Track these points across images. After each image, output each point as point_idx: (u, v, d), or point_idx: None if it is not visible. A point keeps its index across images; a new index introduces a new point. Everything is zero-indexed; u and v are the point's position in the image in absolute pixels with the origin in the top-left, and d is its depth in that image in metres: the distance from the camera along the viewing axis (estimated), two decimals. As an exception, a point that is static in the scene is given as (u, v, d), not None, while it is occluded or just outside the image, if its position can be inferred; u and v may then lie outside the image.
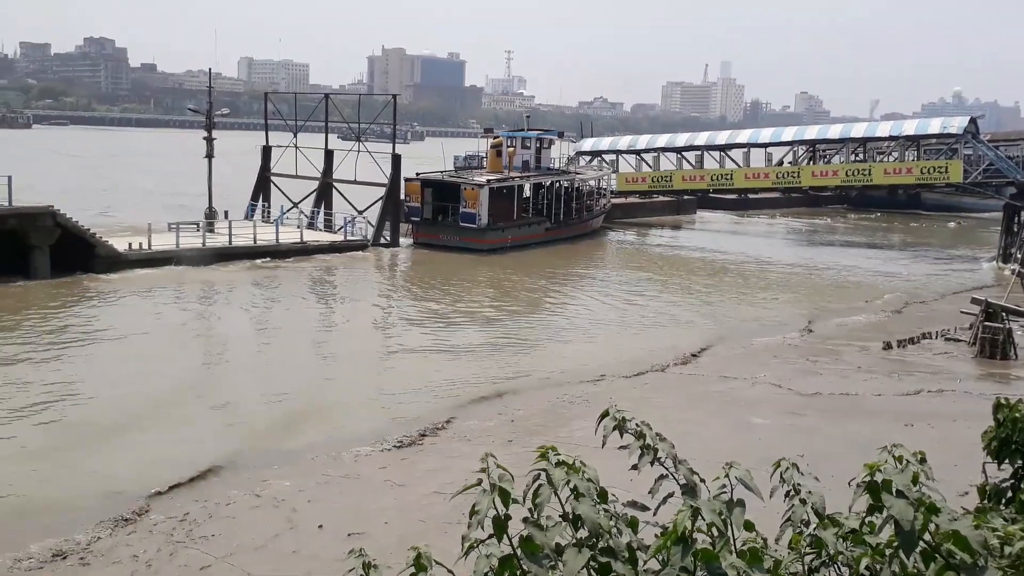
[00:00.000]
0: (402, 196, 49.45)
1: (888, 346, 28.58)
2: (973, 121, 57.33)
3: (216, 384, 23.20)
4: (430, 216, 50.11)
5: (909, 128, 59.42)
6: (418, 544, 3.06)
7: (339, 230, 47.87)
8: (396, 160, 48.41)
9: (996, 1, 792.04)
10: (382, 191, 47.91)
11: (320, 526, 14.36)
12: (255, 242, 42.75)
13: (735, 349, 28.38)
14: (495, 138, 57.73)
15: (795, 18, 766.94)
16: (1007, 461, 7.68)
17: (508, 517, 2.97)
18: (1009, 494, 7.44)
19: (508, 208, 50.51)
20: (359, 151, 48.64)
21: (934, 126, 58.21)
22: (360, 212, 48.25)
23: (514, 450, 16.81)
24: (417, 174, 51.31)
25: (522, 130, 59.69)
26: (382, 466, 17.00)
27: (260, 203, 51.19)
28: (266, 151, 52.41)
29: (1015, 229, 50.18)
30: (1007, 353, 27.14)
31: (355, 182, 48.30)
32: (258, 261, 41.16)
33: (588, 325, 31.87)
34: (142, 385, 22.31)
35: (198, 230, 42.72)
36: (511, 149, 55.54)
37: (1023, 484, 7.33)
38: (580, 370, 24.87)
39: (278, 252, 42.61)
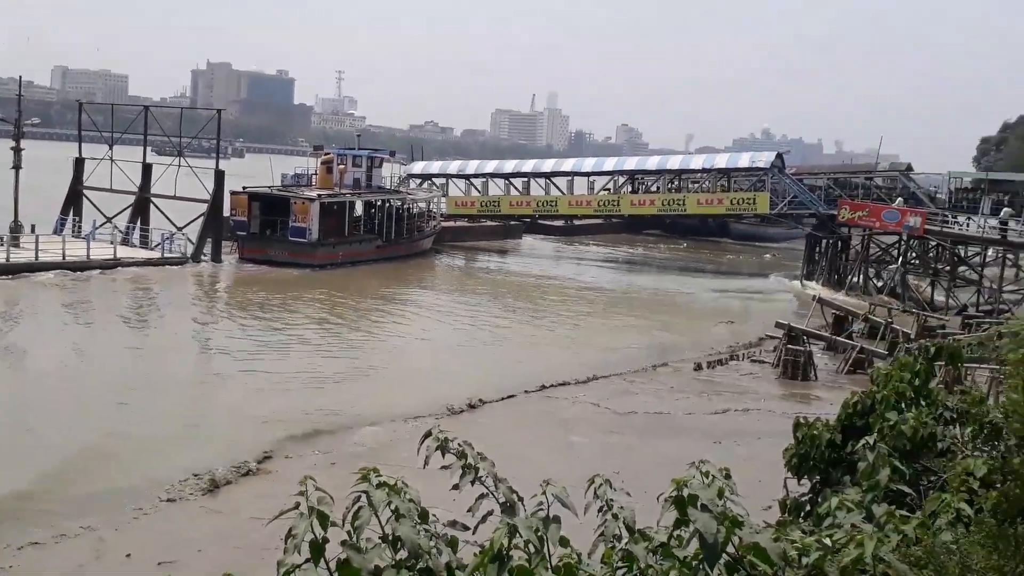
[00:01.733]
0: (228, 211, 48.00)
1: (699, 367, 29.92)
2: (780, 156, 61.31)
3: (12, 415, 21.17)
4: (257, 231, 48.86)
5: (721, 161, 63.01)
6: (232, 572, 2.98)
7: (156, 247, 45.86)
8: (219, 176, 46.98)
9: (799, 49, 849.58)
10: (203, 207, 46.29)
11: (128, 555, 13.64)
12: (64, 258, 40.36)
13: (557, 369, 28.85)
14: (325, 155, 56.98)
15: (616, 53, 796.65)
16: (806, 477, 8.21)
17: (326, 540, 2.94)
18: (808, 507, 7.94)
19: (339, 224, 49.93)
20: (179, 166, 46.93)
21: (744, 160, 61.93)
22: (180, 228, 46.43)
23: (337, 473, 16.54)
24: (244, 188, 50.01)
25: (353, 149, 59.19)
26: (197, 496, 16.32)
27: (71, 217, 48.39)
28: (78, 163, 49.66)
29: (816, 257, 53.73)
30: (807, 374, 28.96)
31: (175, 197, 46.47)
32: (67, 278, 38.81)
33: (418, 348, 31.59)
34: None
35: (1, 244, 39.95)
36: (342, 167, 54.98)
37: (820, 498, 7.83)
38: (408, 399, 23.98)
39: (89, 268, 40.37)
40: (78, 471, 17.20)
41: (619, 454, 19.45)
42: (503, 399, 24.36)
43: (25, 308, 33.60)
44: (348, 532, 3.02)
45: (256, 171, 64.63)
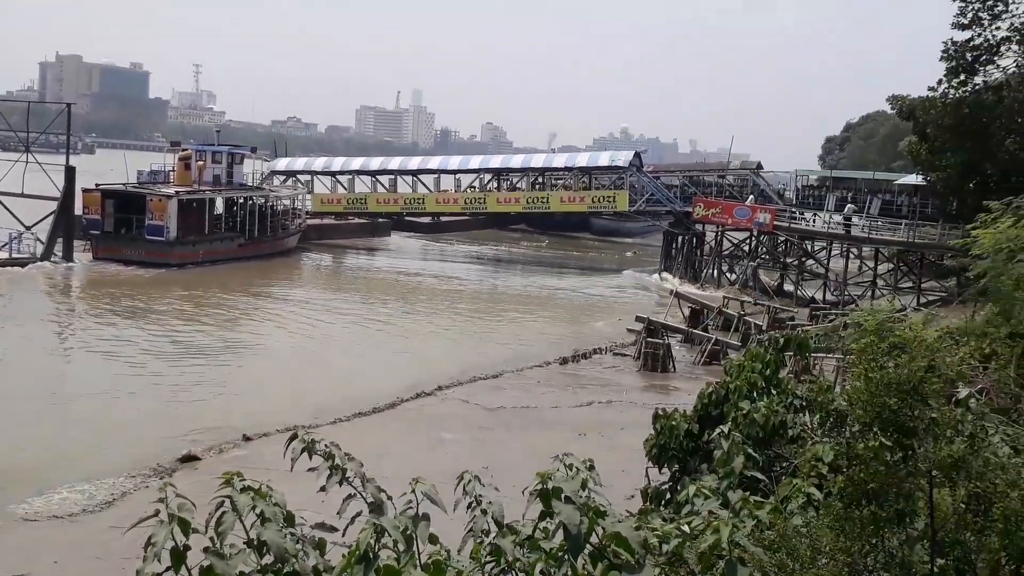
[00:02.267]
0: (80, 209, 45.85)
1: (564, 361, 30.43)
2: (637, 155, 63.01)
3: None
4: (112, 230, 46.90)
5: (582, 160, 64.28)
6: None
7: (3, 247, 43.36)
8: (70, 172, 44.84)
9: (656, 47, 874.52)
10: (53, 205, 44.07)
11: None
12: None
13: (430, 370, 28.73)
14: (183, 151, 55.16)
15: (480, 51, 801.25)
16: (666, 466, 8.49)
17: (187, 547, 2.88)
18: (668, 496, 8.21)
19: (199, 222, 48.41)
20: (27, 162, 44.54)
21: (604, 159, 63.41)
22: (28, 227, 44.05)
23: (200, 478, 16.06)
24: (97, 185, 47.91)
25: (213, 144, 57.47)
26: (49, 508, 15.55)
27: (-98, 216, 45.28)
28: (-90, 158, 46.49)
29: (672, 253, 55.41)
30: (667, 366, 29.87)
31: (22, 195, 44.06)
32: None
33: (284, 353, 30.30)
34: None
35: None
36: (201, 163, 53.29)
37: (679, 486, 8.11)
38: (272, 408, 22.73)
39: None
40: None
41: (489, 449, 19.60)
42: (377, 411, 23.27)
43: None
44: (211, 538, 2.97)
45: (109, 167, 61.82)
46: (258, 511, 3.08)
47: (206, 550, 2.93)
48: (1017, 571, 4.36)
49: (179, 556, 2.86)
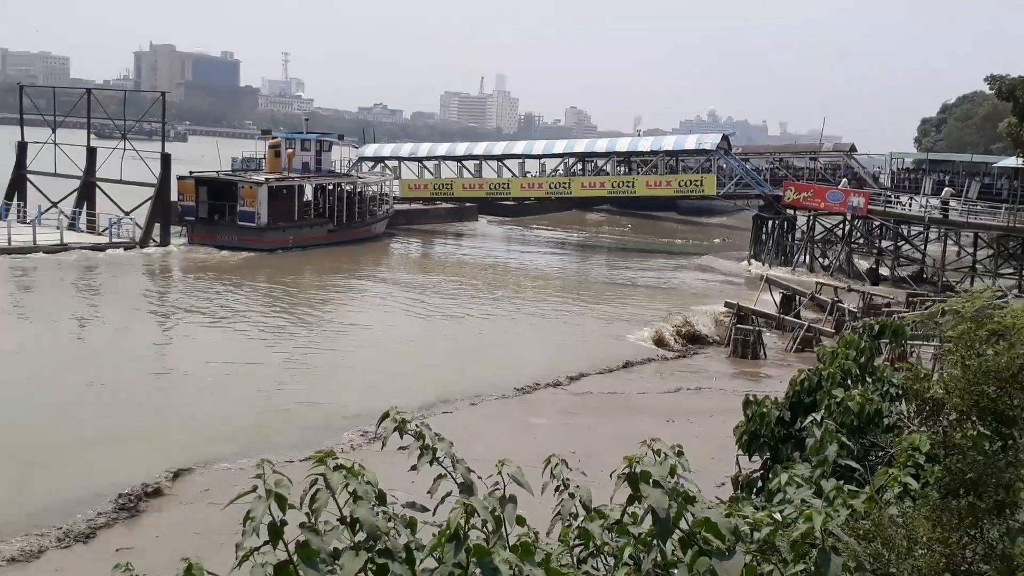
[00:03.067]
0: (175, 196, 47.33)
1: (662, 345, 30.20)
2: (725, 138, 61.90)
3: None
4: (205, 216, 48.32)
5: (668, 143, 63.44)
6: (190, 557, 2.97)
7: (104, 231, 45.04)
8: (166, 159, 46.24)
9: (744, 33, 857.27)
10: (150, 191, 45.56)
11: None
12: (9, 243, 39.58)
13: (526, 360, 28.68)
14: (273, 139, 56.39)
15: (564, 35, 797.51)
16: (757, 453, 8.36)
17: (284, 523, 2.94)
18: (759, 484, 8.09)
19: (289, 208, 49.50)
20: (124, 149, 46.13)
21: (690, 142, 62.50)
22: (127, 213, 45.66)
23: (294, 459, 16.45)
24: (191, 172, 49.39)
25: (301, 132, 58.61)
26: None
27: (15, 202, 47.37)
28: (21, 147, 48.54)
29: (763, 238, 54.39)
30: (757, 353, 29.39)
31: (121, 181, 45.66)
32: (13, 263, 37.98)
33: (378, 341, 29.85)
34: None
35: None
36: (290, 151, 54.44)
37: (771, 474, 7.98)
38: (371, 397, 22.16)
39: (34, 253, 39.58)
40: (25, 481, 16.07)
41: (575, 434, 19.59)
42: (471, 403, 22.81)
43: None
44: (306, 514, 3.04)
45: (201, 155, 63.56)
46: (351, 489, 3.13)
47: (302, 526, 3.00)
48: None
49: (276, 531, 2.93)
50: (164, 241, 45.71)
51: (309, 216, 52.41)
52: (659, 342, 30.57)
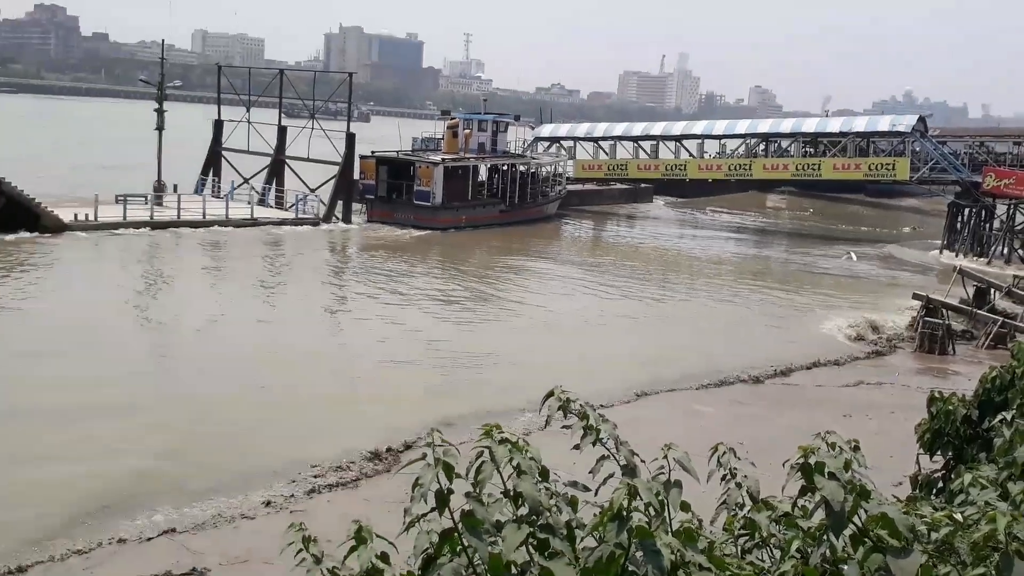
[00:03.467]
0: (357, 175, 49.19)
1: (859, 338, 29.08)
2: (922, 120, 58.52)
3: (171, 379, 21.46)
4: (384, 194, 50.00)
5: (859, 124, 60.43)
6: (359, 520, 3.09)
7: (290, 207, 47.41)
8: (350, 139, 48.11)
9: (948, 12, 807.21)
10: (334, 170, 47.55)
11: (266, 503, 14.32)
12: (204, 217, 42.25)
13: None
14: (451, 120, 57.64)
15: (749, 11, 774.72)
16: (939, 453, 7.93)
17: (451, 491, 3.02)
18: (940, 484, 7.68)
19: (463, 188, 50.56)
20: (312, 129, 48.30)
21: (883, 123, 59.30)
22: (312, 190, 47.86)
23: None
24: (373, 152, 51.20)
25: (479, 113, 59.61)
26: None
27: (210, 178, 50.51)
28: (218, 125, 51.70)
29: (958, 227, 51.27)
30: (945, 348, 27.81)
31: (308, 159, 47.86)
32: (207, 236, 40.63)
33: (551, 328, 29.30)
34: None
35: (146, 203, 42.08)
36: (467, 131, 55.52)
37: (953, 475, 7.56)
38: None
39: (227, 226, 42.14)
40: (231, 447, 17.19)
41: (745, 424, 19.17)
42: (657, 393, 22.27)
43: (170, 265, 35.38)
44: (472, 485, 3.10)
45: (383, 135, 65.71)
46: (515, 463, 3.17)
47: (468, 495, 3.06)
48: None
49: (443, 498, 3.00)
50: (346, 218, 47.64)
51: (483, 196, 53.28)
52: (852, 337, 29.40)
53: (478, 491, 3.11)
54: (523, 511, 3.13)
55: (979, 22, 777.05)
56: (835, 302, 35.98)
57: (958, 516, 4.22)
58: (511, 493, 3.16)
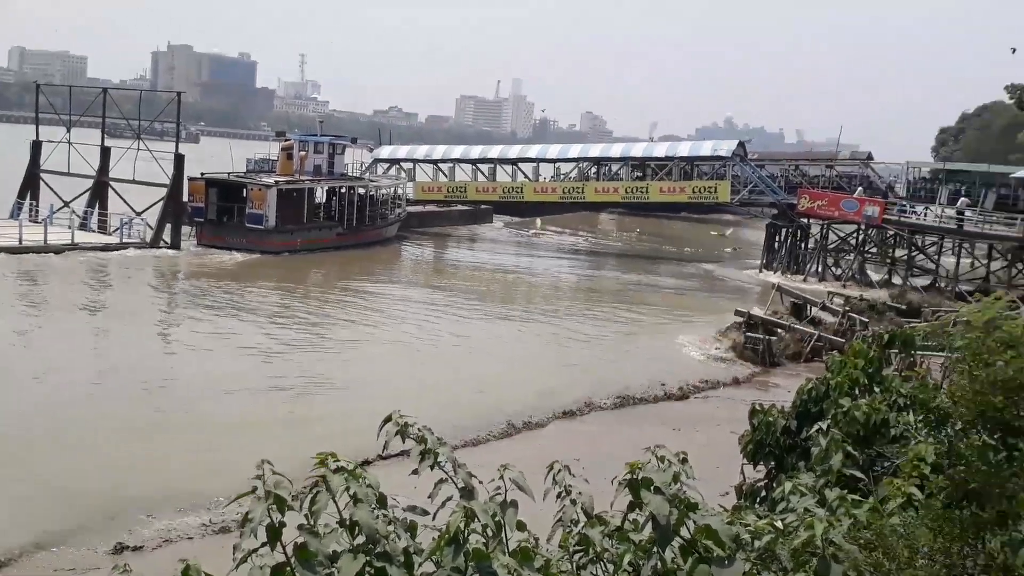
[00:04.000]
0: (185, 197, 47.51)
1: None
2: (742, 144, 61.82)
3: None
4: (215, 217, 48.49)
5: (684, 149, 63.45)
6: (188, 559, 2.98)
7: (115, 231, 45.24)
8: (179, 160, 46.45)
9: (761, 38, 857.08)
10: (162, 192, 45.77)
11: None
12: (20, 243, 39.79)
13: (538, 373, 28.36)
14: (286, 141, 56.57)
15: (581, 40, 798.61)
16: (762, 463, 8.34)
17: (283, 524, 2.95)
18: (763, 493, 8.07)
19: (298, 211, 49.65)
20: (138, 149, 46.40)
21: (706, 148, 62.45)
22: (138, 213, 45.87)
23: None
24: (202, 174, 49.61)
25: (315, 135, 58.81)
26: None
27: (28, 201, 47.64)
28: (35, 146, 48.85)
29: (775, 246, 54.21)
30: (766, 362, 29.27)
31: (133, 181, 45.88)
32: (22, 263, 38.19)
33: (382, 354, 28.31)
34: None
35: (-46, 227, 39.29)
36: (303, 153, 54.61)
37: (775, 483, 7.96)
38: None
39: (46, 253, 39.79)
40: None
41: (581, 441, 19.56)
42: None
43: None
44: (305, 516, 3.04)
45: (214, 156, 63.73)
46: (351, 492, 3.14)
47: (300, 527, 3.00)
48: None
49: (275, 532, 2.94)
50: (175, 242, 45.88)
51: (319, 219, 52.49)
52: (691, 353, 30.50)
53: (313, 522, 3.06)
54: (360, 540, 3.10)
55: (793, 54, 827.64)
56: (663, 321, 37.30)
57: (779, 523, 4.44)
58: (347, 522, 3.12)
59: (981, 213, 49.10)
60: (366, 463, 14.34)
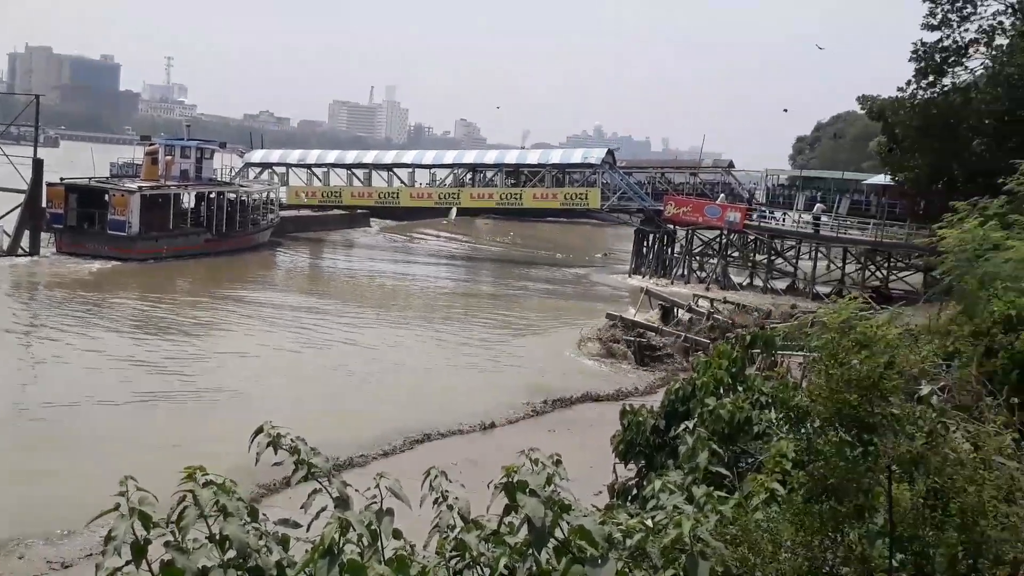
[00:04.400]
0: (44, 203, 45.36)
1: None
2: (611, 152, 63.26)
3: None
4: (75, 224, 46.45)
5: (556, 157, 64.54)
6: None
7: (-34, 239, 42.81)
8: (38, 165, 44.39)
9: (628, 48, 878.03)
10: (19, 198, 43.60)
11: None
12: None
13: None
14: (151, 145, 54.67)
15: (454, 48, 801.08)
16: (632, 462, 8.54)
17: (148, 541, 2.87)
18: (634, 491, 8.26)
19: (163, 217, 48.01)
20: (-7, 154, 44.13)
21: (576, 156, 63.72)
22: (-6, 220, 43.57)
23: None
24: (62, 179, 47.46)
25: (182, 139, 57.04)
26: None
27: None
28: None
29: (644, 251, 55.58)
30: (638, 362, 29.95)
31: (-11, 187, 43.59)
32: None
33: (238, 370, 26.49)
34: None
35: None
36: (169, 158, 52.88)
37: (645, 482, 8.16)
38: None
39: None
40: None
41: (459, 445, 19.58)
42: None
43: None
44: (172, 532, 2.96)
45: (75, 160, 61.11)
46: (220, 505, 3.07)
47: (167, 544, 2.92)
48: (974, 566, 4.44)
49: (140, 550, 2.85)
50: (33, 250, 43.79)
51: (186, 225, 50.83)
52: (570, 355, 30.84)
53: (180, 538, 2.98)
54: (231, 555, 3.04)
55: (659, 66, 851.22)
56: (536, 325, 37.77)
57: (649, 522, 4.56)
58: (217, 537, 3.05)
59: (836, 218, 51.57)
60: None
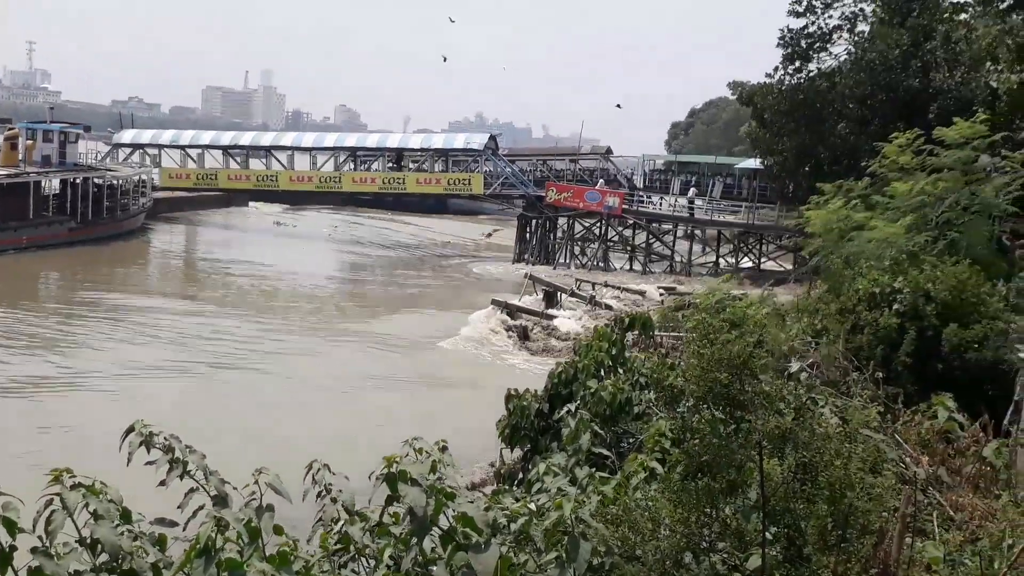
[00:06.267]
0: None
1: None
2: (493, 138, 63.34)
3: None
4: None
5: (438, 141, 64.24)
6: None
7: None
8: None
9: (508, 37, 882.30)
10: None
11: None
12: None
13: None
14: (9, 130, 51.85)
15: (332, 33, 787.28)
16: (518, 446, 8.63)
17: (14, 548, 2.75)
18: (520, 475, 8.35)
19: (22, 205, 45.52)
20: None
21: (459, 141, 63.54)
22: None
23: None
24: (-94, 168, 44.59)
25: (43, 123, 54.31)
26: None
27: None
28: None
29: (527, 237, 56.02)
30: (525, 345, 30.22)
31: None
32: None
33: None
34: None
35: None
36: (30, 143, 50.29)
37: (531, 465, 8.26)
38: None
39: None
40: None
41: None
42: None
43: None
44: (39, 538, 2.84)
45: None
46: (91, 508, 2.97)
47: (34, 550, 2.80)
48: (843, 536, 4.64)
49: (4, 557, 2.72)
50: None
51: (48, 214, 48.37)
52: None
53: (48, 543, 2.86)
54: (103, 558, 2.94)
55: (540, 54, 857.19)
56: (427, 314, 37.51)
57: (532, 505, 4.61)
58: (87, 541, 2.95)
59: (710, 201, 53.11)
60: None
